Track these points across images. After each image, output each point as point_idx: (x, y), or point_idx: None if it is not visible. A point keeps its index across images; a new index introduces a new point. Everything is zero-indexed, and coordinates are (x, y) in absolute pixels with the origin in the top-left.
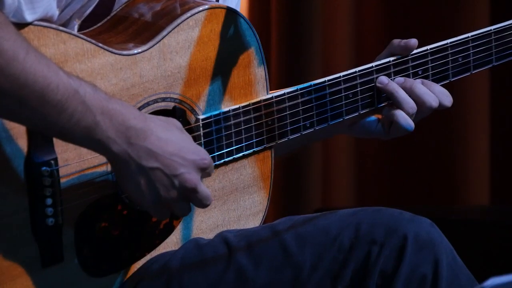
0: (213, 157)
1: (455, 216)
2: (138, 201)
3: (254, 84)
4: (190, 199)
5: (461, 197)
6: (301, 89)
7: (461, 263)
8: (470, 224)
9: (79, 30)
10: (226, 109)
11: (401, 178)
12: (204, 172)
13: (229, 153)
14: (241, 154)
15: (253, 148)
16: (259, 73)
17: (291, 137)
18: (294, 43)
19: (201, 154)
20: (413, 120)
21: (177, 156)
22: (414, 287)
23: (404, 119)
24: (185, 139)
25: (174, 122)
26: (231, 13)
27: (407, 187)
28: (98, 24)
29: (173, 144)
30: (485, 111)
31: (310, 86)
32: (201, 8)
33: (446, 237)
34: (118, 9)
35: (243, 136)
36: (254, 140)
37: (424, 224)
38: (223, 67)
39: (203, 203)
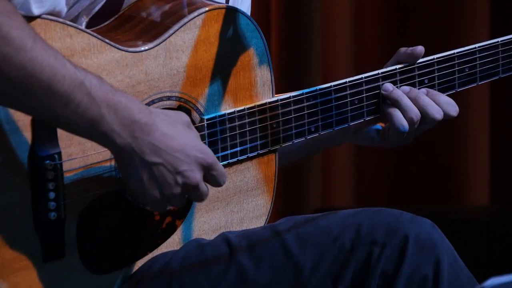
0: (217, 158)
1: (455, 216)
2: (140, 196)
3: (260, 86)
4: (189, 194)
5: (461, 197)
6: (306, 93)
7: (462, 263)
8: (470, 224)
9: (87, 27)
10: (231, 110)
11: (401, 178)
12: (209, 172)
13: (233, 155)
14: (245, 156)
15: (257, 151)
16: (265, 75)
17: (295, 141)
18: (294, 44)
19: (204, 151)
20: (417, 132)
21: (180, 153)
22: (415, 287)
23: (399, 119)
24: (190, 136)
25: (182, 117)
26: (238, 14)
27: (407, 187)
28: (106, 23)
29: (177, 140)
30: (485, 111)
31: (316, 90)
32: (208, 8)
33: (446, 237)
34: (126, 8)
35: (248, 138)
36: (259, 143)
37: (425, 225)
38: (229, 67)
39: (201, 199)
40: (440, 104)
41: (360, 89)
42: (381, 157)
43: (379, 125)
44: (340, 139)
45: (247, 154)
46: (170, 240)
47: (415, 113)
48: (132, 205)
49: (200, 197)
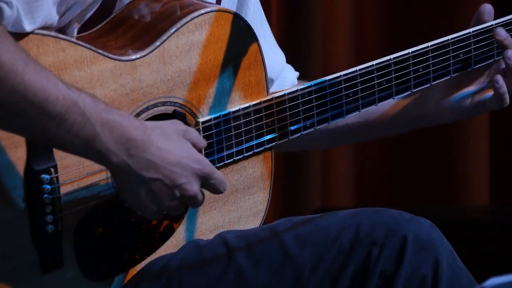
0: (213, 160)
1: (455, 216)
2: (138, 210)
3: (254, 86)
4: (187, 204)
5: (461, 197)
6: (301, 89)
7: (461, 264)
8: (470, 224)
9: (78, 33)
10: (226, 111)
11: (401, 178)
12: (207, 182)
13: (230, 156)
14: (241, 156)
15: (253, 150)
16: (259, 74)
17: (291, 137)
18: (294, 44)
19: (201, 162)
20: None
21: (177, 166)
22: None
23: None
24: (186, 147)
25: (177, 127)
26: (230, 15)
27: (407, 187)
28: (98, 27)
29: (173, 153)
30: None
31: (311, 86)
32: (202, 11)
33: (446, 237)
34: (118, 11)
35: (243, 138)
36: (254, 142)
37: (424, 225)
38: (223, 70)
39: (197, 206)
40: None
41: (354, 82)
42: (381, 157)
43: (466, 91)
44: (428, 119)
45: (243, 154)
46: (168, 243)
47: None
48: (129, 212)
49: (197, 205)
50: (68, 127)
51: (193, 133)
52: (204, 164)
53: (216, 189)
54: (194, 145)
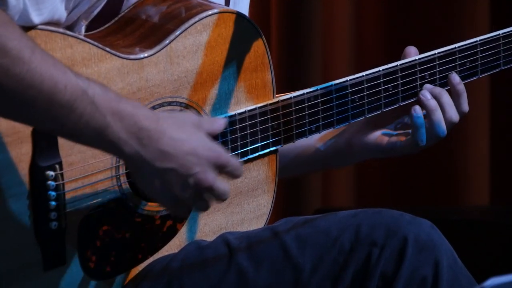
0: None
1: (455, 216)
2: (156, 200)
3: (261, 88)
4: (207, 195)
5: (461, 197)
6: (307, 93)
7: (461, 264)
8: (470, 224)
9: (86, 31)
10: (232, 113)
11: (401, 178)
12: (223, 169)
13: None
14: (246, 158)
15: (258, 152)
16: (266, 77)
17: (296, 140)
18: (294, 44)
19: (216, 150)
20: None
21: (192, 155)
22: None
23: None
24: (200, 136)
25: (191, 117)
26: (238, 17)
27: (407, 187)
28: (106, 26)
29: (187, 143)
30: (485, 111)
31: (317, 90)
32: (210, 12)
33: (446, 237)
34: (126, 11)
35: (249, 140)
36: (260, 144)
37: (424, 226)
38: (230, 71)
39: (221, 199)
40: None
41: (361, 87)
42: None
43: (386, 131)
44: (343, 156)
45: (248, 156)
46: (171, 243)
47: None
48: (132, 211)
49: (220, 196)
50: (77, 116)
51: (207, 122)
52: (219, 152)
53: (233, 175)
54: (211, 132)
